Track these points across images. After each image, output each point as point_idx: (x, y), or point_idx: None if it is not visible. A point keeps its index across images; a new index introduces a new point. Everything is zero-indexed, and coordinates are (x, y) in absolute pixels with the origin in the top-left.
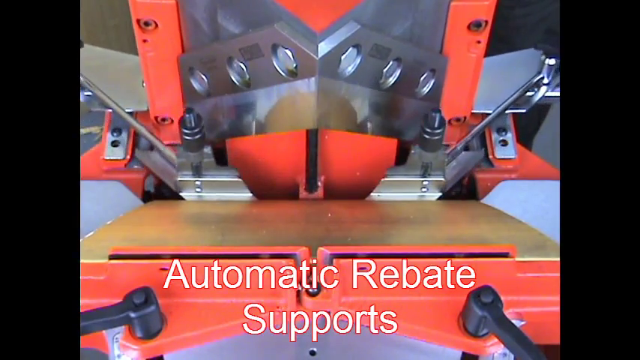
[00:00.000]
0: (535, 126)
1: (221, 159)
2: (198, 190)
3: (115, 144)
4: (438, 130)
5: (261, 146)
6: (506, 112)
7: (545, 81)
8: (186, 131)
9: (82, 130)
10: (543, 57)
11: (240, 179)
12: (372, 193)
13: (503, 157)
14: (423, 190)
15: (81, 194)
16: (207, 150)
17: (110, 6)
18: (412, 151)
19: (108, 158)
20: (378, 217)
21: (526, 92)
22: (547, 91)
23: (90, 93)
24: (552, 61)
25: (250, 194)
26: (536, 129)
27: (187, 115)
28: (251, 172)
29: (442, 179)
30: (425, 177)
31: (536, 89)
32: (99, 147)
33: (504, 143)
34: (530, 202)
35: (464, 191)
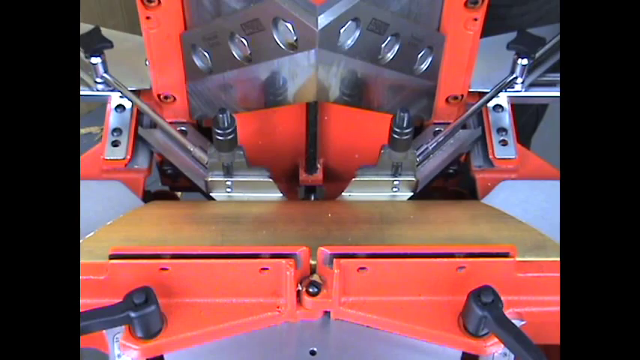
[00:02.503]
0: (533, 126)
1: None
2: (228, 190)
3: (115, 144)
4: (407, 130)
5: (262, 124)
6: (504, 92)
7: (519, 80)
8: (219, 131)
9: (82, 130)
10: (515, 57)
11: (271, 179)
12: (342, 193)
13: (503, 157)
14: (394, 190)
15: (81, 194)
16: (240, 150)
17: (110, 6)
18: (382, 151)
19: (108, 158)
20: (378, 217)
21: (500, 91)
22: (521, 90)
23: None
24: (525, 61)
25: (280, 194)
26: (534, 129)
27: (220, 115)
28: (252, 153)
29: (413, 179)
30: (395, 177)
31: (510, 89)
32: (99, 147)
33: (504, 143)
34: (530, 202)
35: (460, 169)
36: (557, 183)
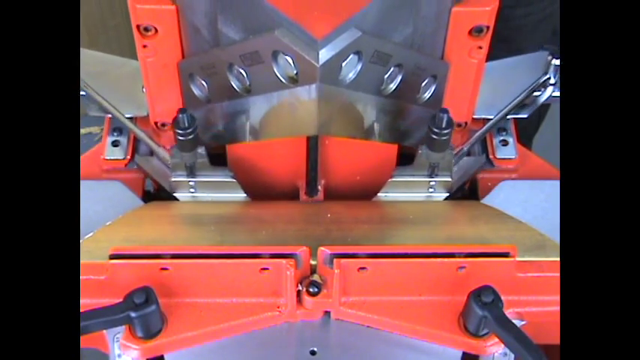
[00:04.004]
0: (535, 126)
1: (220, 163)
2: (192, 190)
3: (115, 144)
4: (446, 131)
5: (261, 152)
6: (508, 117)
7: (552, 81)
8: (180, 132)
9: (82, 130)
10: (550, 57)
11: (234, 180)
12: (379, 194)
13: (503, 157)
14: (430, 190)
15: (81, 194)
16: (201, 150)
17: (110, 6)
18: (419, 152)
19: (108, 158)
20: (378, 217)
21: (532, 92)
22: (553, 91)
23: (85, 93)
24: (558, 62)
25: (244, 195)
26: (536, 129)
27: (180, 116)
28: (251, 177)
29: (449, 179)
30: (432, 177)
31: (542, 90)
32: (99, 147)
33: (505, 143)
34: (530, 202)
35: (466, 195)
36: (557, 183)
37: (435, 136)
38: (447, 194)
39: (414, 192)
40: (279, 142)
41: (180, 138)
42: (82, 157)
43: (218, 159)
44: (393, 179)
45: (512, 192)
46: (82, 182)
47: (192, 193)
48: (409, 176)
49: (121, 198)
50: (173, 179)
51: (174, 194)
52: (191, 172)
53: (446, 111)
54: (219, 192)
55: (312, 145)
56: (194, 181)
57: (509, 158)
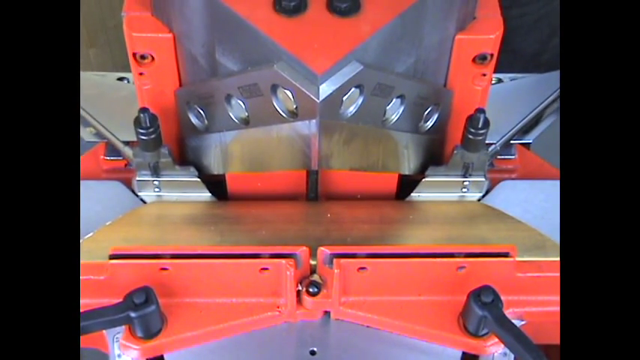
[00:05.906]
0: (534, 126)
1: (219, 190)
2: (157, 190)
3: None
4: (482, 131)
5: (261, 182)
6: (512, 142)
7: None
8: (141, 131)
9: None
10: None
11: (198, 179)
12: (412, 194)
13: (503, 157)
14: (464, 190)
15: (81, 194)
16: (165, 150)
17: (110, 6)
18: (455, 152)
19: (108, 158)
20: (378, 217)
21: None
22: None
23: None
24: None
25: (209, 194)
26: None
27: (141, 115)
28: (249, 193)
29: (483, 179)
30: (466, 177)
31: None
32: (99, 147)
33: None
34: (530, 202)
35: None
36: (557, 183)
37: (471, 136)
38: (481, 194)
39: (448, 192)
40: (279, 174)
41: (142, 137)
42: (82, 157)
43: (217, 186)
44: (427, 179)
45: (512, 192)
46: (82, 182)
47: (157, 192)
48: (443, 176)
49: (121, 198)
50: (137, 179)
51: (139, 194)
52: (155, 171)
53: (482, 111)
54: (184, 191)
55: (312, 179)
56: (158, 181)
57: (509, 158)
